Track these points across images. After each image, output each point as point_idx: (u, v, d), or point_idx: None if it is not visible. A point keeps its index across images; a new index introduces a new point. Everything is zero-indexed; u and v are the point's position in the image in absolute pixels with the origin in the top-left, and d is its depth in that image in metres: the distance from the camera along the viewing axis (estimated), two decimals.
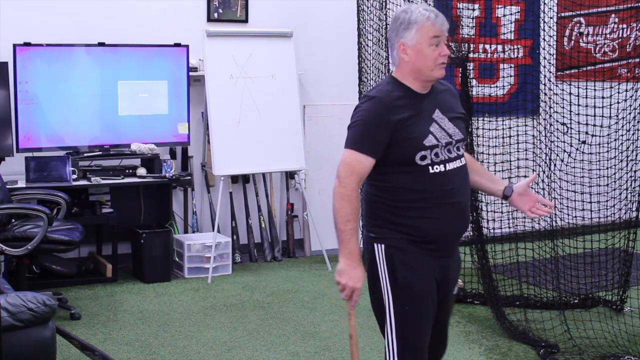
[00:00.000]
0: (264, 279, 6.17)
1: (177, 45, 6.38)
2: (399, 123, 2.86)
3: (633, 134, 5.22)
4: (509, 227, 6.03)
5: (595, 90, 5.13)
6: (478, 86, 6.96)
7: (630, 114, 5.21)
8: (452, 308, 3.19)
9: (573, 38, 7.90)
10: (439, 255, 2.98)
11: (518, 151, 5.83)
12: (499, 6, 7.22)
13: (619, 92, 5.09)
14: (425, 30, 2.88)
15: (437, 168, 2.91)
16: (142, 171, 6.22)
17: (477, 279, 5.50)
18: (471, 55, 5.37)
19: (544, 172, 5.39)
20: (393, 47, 2.96)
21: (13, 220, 5.38)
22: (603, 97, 5.11)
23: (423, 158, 2.89)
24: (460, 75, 5.11)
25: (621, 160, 5.39)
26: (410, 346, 2.97)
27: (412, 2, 5.68)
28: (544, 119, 5.42)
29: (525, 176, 5.74)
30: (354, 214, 2.87)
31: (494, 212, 5.92)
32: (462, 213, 2.98)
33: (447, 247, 3.01)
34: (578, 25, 7.90)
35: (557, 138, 5.55)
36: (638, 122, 5.18)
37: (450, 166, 2.94)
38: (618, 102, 5.10)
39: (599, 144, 5.43)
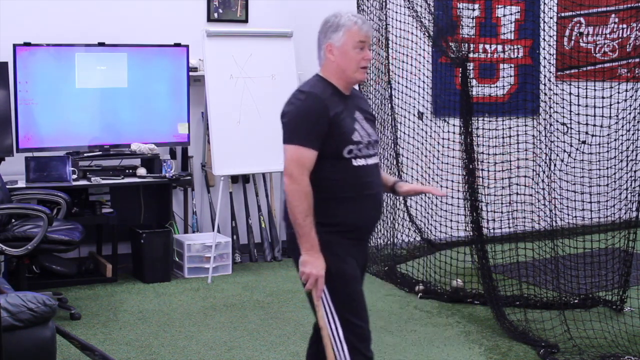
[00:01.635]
0: (264, 279, 6.17)
1: (177, 45, 6.38)
2: (335, 117, 3.05)
3: (633, 134, 5.22)
4: (509, 227, 6.03)
5: (595, 90, 5.13)
6: (478, 86, 6.96)
7: (630, 114, 5.20)
8: None
9: (573, 38, 7.90)
10: (359, 243, 3.22)
11: (518, 151, 5.83)
12: (499, 6, 7.22)
13: (619, 92, 5.09)
14: (351, 33, 3.08)
15: (359, 161, 3.11)
16: (142, 171, 6.22)
17: (477, 279, 5.51)
18: (471, 55, 5.37)
19: (544, 172, 5.40)
20: (320, 48, 3.16)
21: (13, 220, 5.38)
22: (603, 97, 5.11)
23: (350, 152, 3.09)
24: (460, 75, 5.12)
25: (621, 160, 5.39)
26: (357, 330, 3.13)
27: (412, 1, 5.69)
28: (544, 119, 5.42)
29: (525, 176, 5.75)
30: (311, 208, 3.03)
31: (494, 212, 5.92)
32: (378, 204, 3.22)
33: (366, 235, 3.29)
34: (578, 25, 7.90)
35: (557, 138, 5.55)
36: (638, 122, 5.18)
37: (370, 162, 3.15)
38: (618, 102, 5.10)
39: (599, 144, 5.43)
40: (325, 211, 3.08)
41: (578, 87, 5.12)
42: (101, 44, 6.19)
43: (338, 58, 3.11)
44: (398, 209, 6.63)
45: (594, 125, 5.14)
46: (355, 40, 3.09)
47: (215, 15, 6.72)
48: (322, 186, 3.06)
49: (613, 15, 7.90)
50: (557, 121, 5.36)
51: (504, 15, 7.15)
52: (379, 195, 3.21)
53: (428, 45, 6.32)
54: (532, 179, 5.64)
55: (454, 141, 5.93)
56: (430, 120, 6.64)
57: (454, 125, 5.78)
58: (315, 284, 3.04)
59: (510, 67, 7.51)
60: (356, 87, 3.33)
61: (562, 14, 7.49)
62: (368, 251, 3.41)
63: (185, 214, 6.72)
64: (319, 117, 3.03)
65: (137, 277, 6.14)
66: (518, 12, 7.08)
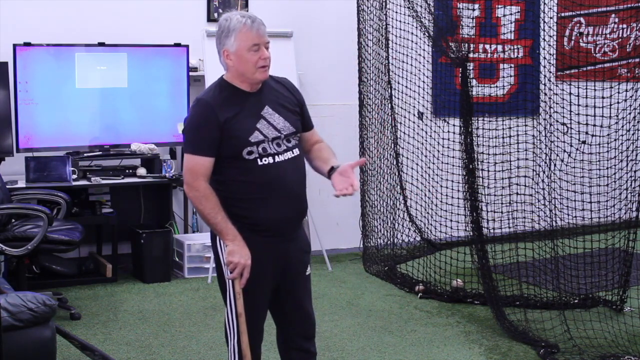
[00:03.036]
0: None
1: (177, 45, 6.38)
2: (226, 123, 3.07)
3: (633, 134, 5.22)
4: (509, 227, 6.04)
5: (595, 90, 5.13)
6: (478, 86, 6.96)
7: (630, 114, 5.20)
8: (309, 289, 3.37)
9: (573, 38, 7.90)
10: (277, 241, 3.18)
11: (518, 151, 5.83)
12: (499, 6, 7.22)
13: (619, 92, 5.09)
14: (242, 36, 3.08)
15: (265, 160, 3.11)
16: (142, 171, 6.22)
17: (477, 279, 5.50)
18: (471, 55, 5.37)
19: (544, 172, 5.39)
20: (219, 54, 3.16)
21: (13, 220, 5.38)
22: (603, 97, 5.11)
23: (250, 153, 3.10)
24: (460, 75, 5.12)
25: (621, 160, 5.39)
26: (249, 320, 3.16)
27: (412, 1, 5.68)
28: (544, 119, 5.42)
29: (525, 176, 5.75)
30: (217, 206, 3.08)
31: (494, 212, 5.92)
32: (294, 201, 3.18)
33: (284, 233, 3.20)
34: (578, 25, 7.90)
35: (557, 138, 5.55)
36: (638, 122, 5.17)
37: (280, 158, 3.13)
38: (618, 102, 5.10)
39: (599, 144, 5.43)
40: (235, 210, 3.11)
41: (578, 87, 5.11)
42: (101, 44, 6.19)
43: (236, 63, 3.11)
44: (398, 209, 6.64)
45: (594, 125, 5.14)
46: (249, 43, 3.08)
47: (215, 15, 6.71)
48: (229, 187, 3.12)
49: (613, 15, 7.90)
50: (557, 121, 5.36)
51: (504, 15, 7.15)
52: (295, 193, 3.18)
53: (428, 45, 6.32)
54: (532, 179, 5.64)
55: (454, 141, 5.94)
56: (430, 120, 6.63)
57: (454, 125, 5.78)
58: (241, 273, 3.09)
59: (510, 67, 7.51)
60: (278, 77, 3.29)
61: (562, 14, 7.49)
62: (298, 249, 3.27)
63: (185, 214, 6.72)
64: (207, 123, 3.06)
65: (137, 277, 6.14)
66: (518, 12, 7.08)
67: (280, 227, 3.18)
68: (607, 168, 5.55)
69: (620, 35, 7.93)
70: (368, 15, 6.39)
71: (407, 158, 6.62)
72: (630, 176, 5.25)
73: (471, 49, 5.36)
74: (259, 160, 3.10)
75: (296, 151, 3.20)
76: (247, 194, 3.12)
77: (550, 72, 5.95)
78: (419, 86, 6.43)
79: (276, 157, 3.13)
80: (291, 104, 3.24)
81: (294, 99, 3.27)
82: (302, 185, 3.24)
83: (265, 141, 3.11)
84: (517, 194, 5.79)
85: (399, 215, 6.64)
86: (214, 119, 3.06)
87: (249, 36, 3.09)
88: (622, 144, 5.38)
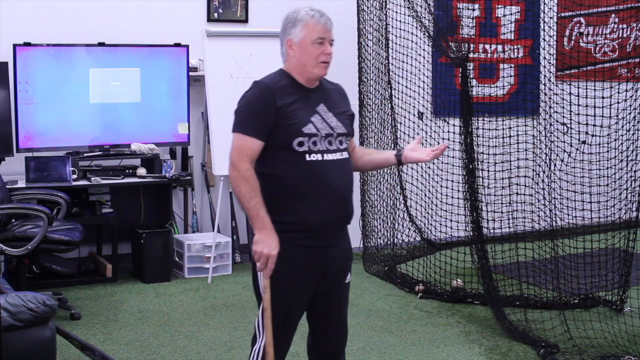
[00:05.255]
0: None
1: (177, 45, 6.38)
2: (282, 107, 3.01)
3: (633, 134, 5.22)
4: (509, 227, 6.04)
5: (595, 90, 5.13)
6: (478, 86, 6.97)
7: (630, 114, 5.20)
8: (346, 297, 3.27)
9: (573, 38, 7.90)
10: (319, 245, 3.07)
11: (518, 151, 5.83)
12: (499, 6, 7.22)
13: (619, 92, 5.09)
14: (309, 27, 3.09)
15: (314, 156, 3.03)
16: (142, 171, 6.22)
17: (477, 279, 5.50)
18: (471, 55, 5.37)
19: (544, 172, 5.39)
20: (282, 44, 3.15)
21: (13, 220, 5.38)
22: (603, 97, 5.11)
23: (300, 144, 3.02)
24: (460, 75, 5.12)
25: (621, 160, 5.39)
26: (278, 330, 3.08)
27: (412, 1, 5.68)
28: (544, 119, 5.42)
29: (525, 176, 5.76)
30: (254, 190, 2.98)
31: (494, 212, 5.92)
32: (338, 204, 3.08)
33: (326, 237, 3.09)
34: (578, 25, 7.90)
35: (557, 138, 5.55)
36: (638, 122, 5.17)
37: (329, 157, 3.06)
38: (618, 102, 5.10)
39: (599, 144, 5.43)
40: (275, 208, 3.00)
41: (578, 87, 5.11)
42: (101, 44, 6.19)
43: (297, 53, 3.09)
44: (398, 209, 6.64)
45: (594, 125, 5.14)
46: (314, 35, 3.08)
47: (215, 15, 6.72)
48: (273, 181, 3.03)
49: (613, 15, 7.90)
50: (557, 121, 5.36)
51: (504, 15, 7.15)
52: (341, 195, 3.08)
53: (428, 45, 6.32)
54: (532, 179, 5.64)
55: (454, 141, 5.93)
56: (430, 120, 6.63)
57: (454, 125, 5.78)
58: (266, 263, 2.98)
59: (510, 67, 7.51)
60: (333, 80, 3.31)
61: (562, 14, 7.49)
62: (340, 257, 3.17)
63: (185, 214, 6.72)
64: (265, 106, 3.01)
65: (137, 277, 6.13)
66: (518, 12, 7.08)
67: (320, 230, 3.05)
68: (607, 168, 5.55)
69: (620, 35, 7.93)
70: (368, 15, 6.39)
71: None
72: (630, 176, 5.25)
73: (471, 49, 5.36)
74: (307, 155, 3.01)
75: (346, 154, 3.12)
76: (290, 189, 3.02)
77: (550, 72, 5.95)
78: (419, 86, 6.43)
79: (325, 154, 3.04)
80: (344, 109, 3.21)
81: (346, 106, 3.24)
82: (348, 189, 3.13)
83: (317, 136, 3.04)
84: (517, 194, 5.80)
85: (399, 215, 6.64)
86: (272, 102, 3.00)
87: (315, 29, 3.09)
88: (622, 144, 5.38)
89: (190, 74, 6.43)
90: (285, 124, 3.00)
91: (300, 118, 3.03)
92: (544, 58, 5.89)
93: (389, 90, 6.50)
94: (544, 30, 5.64)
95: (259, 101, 3.03)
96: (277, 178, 3.03)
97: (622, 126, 5.27)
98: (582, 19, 7.87)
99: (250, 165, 2.99)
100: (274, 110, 3.00)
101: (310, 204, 3.02)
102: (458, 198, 5.97)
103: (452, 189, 6.12)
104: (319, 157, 3.03)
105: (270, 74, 3.15)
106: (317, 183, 3.02)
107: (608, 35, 7.97)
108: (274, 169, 3.03)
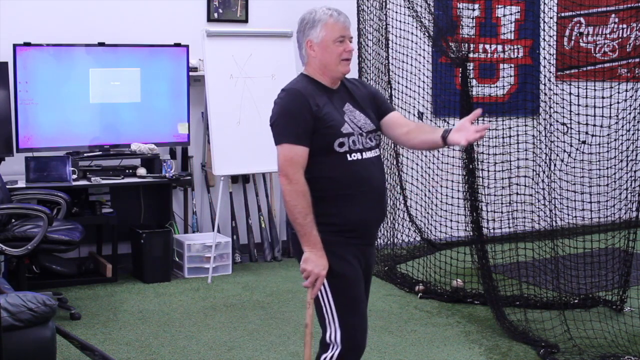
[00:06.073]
0: (264, 279, 6.17)
1: (177, 45, 6.38)
2: (318, 111, 3.00)
3: (633, 134, 5.22)
4: (509, 227, 6.04)
5: (595, 90, 5.13)
6: (478, 86, 6.97)
7: (630, 114, 5.21)
8: (369, 292, 3.31)
9: (573, 38, 7.90)
10: (359, 244, 3.09)
11: (518, 151, 5.83)
12: (499, 6, 7.22)
13: (619, 92, 5.09)
14: (329, 27, 3.05)
15: (354, 156, 3.04)
16: (142, 171, 6.22)
17: (477, 279, 5.50)
18: (471, 55, 5.37)
19: (544, 172, 5.39)
20: (301, 46, 3.13)
21: (13, 220, 5.38)
22: (603, 97, 5.11)
23: (341, 145, 3.02)
24: (460, 75, 5.12)
25: (621, 160, 5.39)
26: (355, 331, 3.15)
27: (412, 1, 5.68)
28: (544, 119, 5.42)
29: (525, 176, 5.76)
30: (310, 207, 2.97)
31: (494, 212, 5.93)
32: (379, 202, 3.11)
33: (368, 235, 3.15)
34: (578, 25, 7.90)
35: (557, 138, 5.55)
36: (638, 122, 5.18)
37: (367, 155, 3.07)
38: (618, 102, 5.10)
39: (599, 144, 5.43)
40: (322, 210, 3.00)
41: (578, 87, 5.11)
42: (101, 44, 6.19)
43: (319, 54, 3.07)
44: (398, 209, 6.64)
45: (594, 125, 5.14)
46: (335, 34, 3.05)
47: (215, 15, 6.72)
48: (316, 185, 3.00)
49: (613, 15, 7.90)
50: (557, 121, 5.36)
51: (504, 15, 7.15)
52: (380, 193, 3.10)
53: (428, 45, 6.33)
54: (532, 179, 5.64)
55: None
56: (430, 120, 6.64)
57: (454, 125, 5.76)
58: (314, 282, 2.99)
59: (510, 67, 7.51)
60: (351, 78, 3.26)
61: (562, 14, 7.49)
62: (374, 254, 3.28)
63: (185, 214, 6.72)
64: (302, 112, 2.98)
65: (137, 277, 6.13)
66: (518, 12, 7.09)
67: (365, 228, 3.09)
68: (607, 168, 5.55)
69: (620, 35, 7.93)
70: (368, 15, 6.39)
71: (407, 158, 6.62)
72: (630, 176, 5.25)
73: (471, 49, 5.36)
74: (348, 155, 3.01)
75: (378, 151, 3.13)
76: (334, 191, 3.01)
77: (550, 72, 5.94)
78: (419, 86, 6.44)
79: (364, 153, 3.05)
80: (366, 99, 3.17)
81: (366, 93, 3.20)
82: (385, 186, 3.17)
83: (355, 134, 3.04)
84: (517, 194, 5.80)
85: (399, 215, 6.65)
86: (308, 107, 2.98)
87: (335, 28, 3.06)
88: (622, 144, 5.38)
89: (190, 74, 6.43)
90: (324, 126, 2.99)
91: (336, 119, 3.02)
92: (544, 58, 5.89)
93: (389, 90, 6.50)
94: (544, 30, 5.64)
95: (295, 107, 3.00)
96: (319, 181, 3.01)
97: (622, 126, 5.27)
98: (582, 19, 7.87)
99: (304, 178, 2.97)
100: (310, 114, 2.98)
101: (354, 204, 3.02)
102: (458, 198, 5.97)
103: (452, 189, 6.12)
104: (358, 156, 3.04)
105: (293, 79, 3.14)
106: (360, 183, 3.03)
107: (608, 35, 7.97)
108: (315, 172, 3.01)
